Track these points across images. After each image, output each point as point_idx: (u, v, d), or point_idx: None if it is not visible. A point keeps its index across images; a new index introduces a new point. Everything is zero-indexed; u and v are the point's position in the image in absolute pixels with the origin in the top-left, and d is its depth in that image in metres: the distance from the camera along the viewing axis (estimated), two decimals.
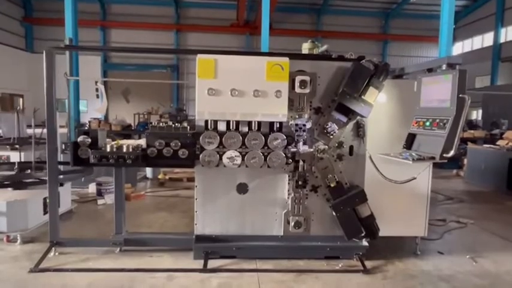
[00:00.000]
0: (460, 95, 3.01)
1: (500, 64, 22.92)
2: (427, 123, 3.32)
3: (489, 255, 4.44)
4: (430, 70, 3.47)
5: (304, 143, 3.95)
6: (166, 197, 7.15)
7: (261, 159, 3.87)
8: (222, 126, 3.95)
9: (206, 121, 3.92)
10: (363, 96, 3.85)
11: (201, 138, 3.81)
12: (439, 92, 3.22)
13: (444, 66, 3.22)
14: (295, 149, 3.93)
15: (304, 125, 3.95)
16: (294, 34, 23.08)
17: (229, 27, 24.47)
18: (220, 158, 3.87)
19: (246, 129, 3.97)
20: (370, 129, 4.13)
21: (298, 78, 3.84)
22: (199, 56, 3.75)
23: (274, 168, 3.94)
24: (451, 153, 3.01)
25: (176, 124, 4.12)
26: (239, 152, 3.87)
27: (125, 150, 3.88)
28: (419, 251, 4.42)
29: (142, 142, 4.11)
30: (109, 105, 13.30)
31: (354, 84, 3.84)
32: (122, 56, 24.29)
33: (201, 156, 3.84)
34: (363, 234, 4.01)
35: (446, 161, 3.07)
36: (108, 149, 3.90)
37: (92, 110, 17.41)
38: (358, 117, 4.07)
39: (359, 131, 4.09)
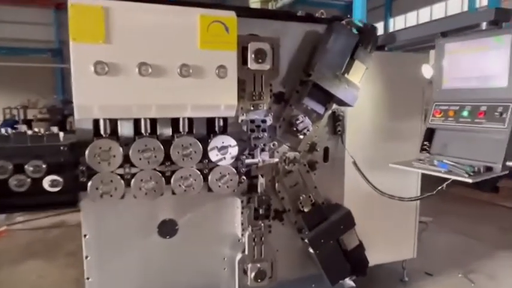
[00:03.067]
0: None
1: None
2: (464, 113, 2.20)
3: (479, 268, 3.71)
4: (454, 31, 2.34)
5: (264, 150, 2.53)
6: (43, 229, 4.94)
7: (198, 181, 2.34)
8: (126, 130, 2.29)
9: (96, 122, 2.21)
10: (346, 75, 2.58)
11: (87, 152, 2.10)
12: (482, 64, 2.13)
13: (484, 25, 2.12)
14: (251, 160, 2.48)
15: (264, 122, 2.52)
16: None
17: None
18: (127, 184, 2.22)
19: (169, 131, 2.38)
20: (348, 123, 2.91)
21: (252, 46, 2.36)
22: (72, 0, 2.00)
23: (220, 193, 2.45)
24: None
25: (40, 131, 2.30)
26: (159, 171, 2.27)
27: None
28: (407, 277, 3.45)
29: None
30: None
31: (333, 57, 2.54)
32: None
33: (89, 185, 2.13)
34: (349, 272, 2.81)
35: (507, 172, 1.99)
36: None
37: None
38: (335, 107, 2.81)
39: (336, 126, 2.83)
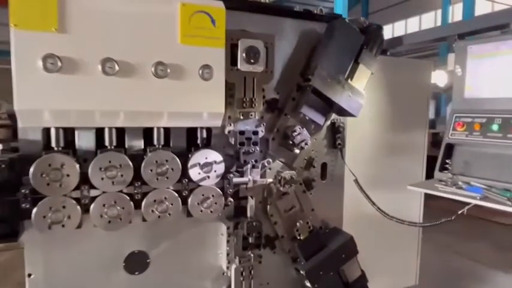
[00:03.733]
0: None
1: None
2: (494, 127, 1.88)
3: None
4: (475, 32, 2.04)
5: (254, 166, 2.14)
6: None
7: (176, 205, 1.91)
8: (84, 141, 1.84)
9: (46, 131, 1.75)
10: (349, 81, 2.24)
11: (32, 170, 1.62)
12: None
13: None
14: (240, 179, 2.07)
15: (255, 134, 2.13)
16: None
17: None
18: (85, 211, 1.76)
19: (139, 144, 1.94)
20: (348, 136, 2.57)
21: (244, 43, 1.98)
22: None
23: (202, 218, 2.02)
24: None
25: None
26: (127, 193, 1.83)
27: None
28: None
29: None
30: None
31: (336, 60, 2.19)
32: None
33: (34, 212, 1.65)
34: None
35: None
36: None
37: None
38: (334, 117, 2.46)
39: (336, 139, 2.47)
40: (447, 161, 2.00)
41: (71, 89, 1.64)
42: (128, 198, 1.81)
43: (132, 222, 1.86)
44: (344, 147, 2.52)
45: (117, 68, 1.68)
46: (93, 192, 1.76)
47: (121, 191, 1.80)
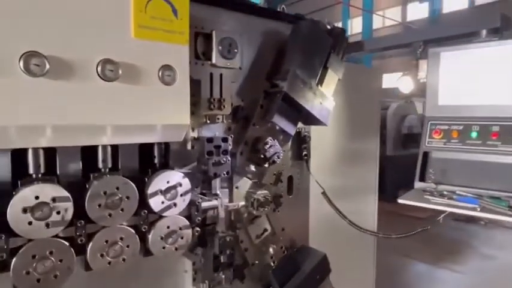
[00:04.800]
0: None
1: None
2: (473, 134, 1.87)
3: None
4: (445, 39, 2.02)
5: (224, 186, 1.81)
6: None
7: (133, 245, 1.48)
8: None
9: None
10: (320, 86, 2.07)
11: None
12: (489, 77, 1.84)
13: (484, 33, 1.84)
14: (210, 204, 1.72)
15: (225, 141, 1.78)
16: None
17: None
18: (11, 255, 1.23)
19: (77, 169, 1.46)
20: (312, 146, 2.41)
21: (219, 34, 1.66)
22: None
23: (164, 257, 1.61)
24: None
25: None
26: (64, 237, 1.34)
27: None
28: None
29: None
30: None
31: (308, 64, 1.99)
32: None
33: None
34: None
35: None
36: None
37: None
38: (300, 126, 2.27)
39: (302, 149, 2.28)
40: (430, 170, 1.97)
41: None
42: (68, 244, 1.33)
43: (75, 273, 1.37)
44: (310, 158, 2.34)
45: (47, 66, 1.21)
46: (14, 243, 1.24)
47: (56, 236, 1.31)
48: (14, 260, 1.23)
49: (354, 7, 16.65)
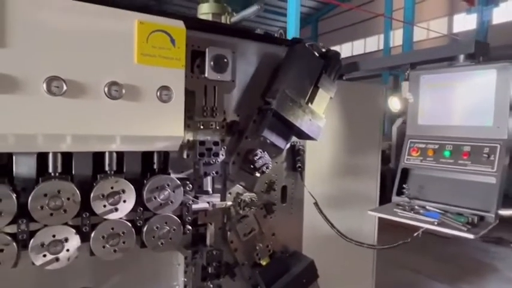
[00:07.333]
0: None
1: None
2: (446, 153, 1.98)
3: None
4: (431, 62, 2.14)
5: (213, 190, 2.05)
6: None
7: (130, 237, 1.75)
8: (24, 168, 1.64)
9: None
10: (310, 105, 2.26)
11: None
12: (463, 100, 1.95)
13: (461, 58, 1.96)
14: (200, 206, 1.97)
15: (216, 144, 2.02)
16: None
17: None
18: (24, 247, 1.55)
19: (87, 171, 1.77)
20: (307, 158, 2.58)
21: (211, 51, 1.92)
22: None
23: (158, 249, 1.88)
24: None
25: None
26: (72, 226, 1.65)
27: None
28: None
29: None
30: None
31: (297, 84, 2.20)
32: None
33: None
34: None
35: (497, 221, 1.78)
36: None
37: None
38: (294, 140, 2.46)
39: (296, 161, 2.47)
40: (404, 185, 2.08)
41: (9, 110, 1.45)
42: (75, 231, 1.63)
43: (78, 259, 1.67)
44: (304, 170, 2.52)
45: (64, 87, 1.52)
46: (33, 226, 1.56)
47: (66, 224, 1.62)
48: (31, 241, 1.54)
49: (394, 19, 16.41)
